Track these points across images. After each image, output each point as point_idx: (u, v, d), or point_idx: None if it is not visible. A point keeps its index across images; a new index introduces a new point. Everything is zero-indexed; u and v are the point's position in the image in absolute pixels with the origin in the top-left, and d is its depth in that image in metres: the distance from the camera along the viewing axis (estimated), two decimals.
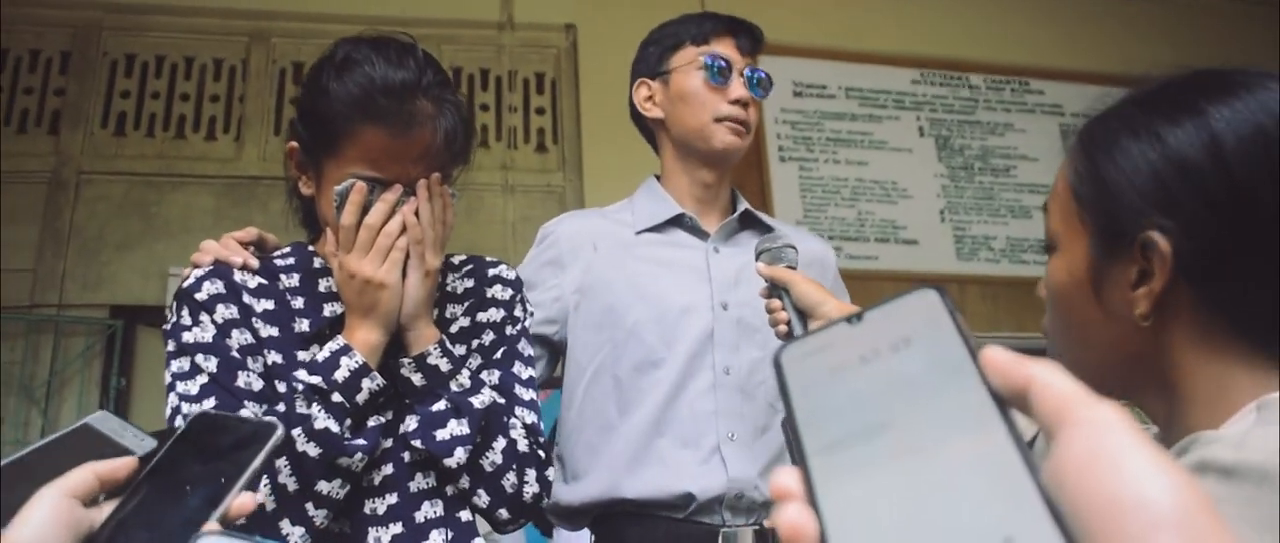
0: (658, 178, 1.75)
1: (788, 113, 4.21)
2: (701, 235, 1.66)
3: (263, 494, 1.06)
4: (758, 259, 1.42)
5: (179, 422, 1.07)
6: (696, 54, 1.64)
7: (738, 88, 1.63)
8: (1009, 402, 0.35)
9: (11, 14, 3.61)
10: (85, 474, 0.66)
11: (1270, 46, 4.58)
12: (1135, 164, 0.79)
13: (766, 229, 1.70)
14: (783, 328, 1.36)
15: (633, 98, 1.73)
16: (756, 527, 1.49)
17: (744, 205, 1.72)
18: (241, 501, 0.64)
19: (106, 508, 0.66)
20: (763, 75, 1.68)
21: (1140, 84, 0.84)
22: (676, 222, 1.66)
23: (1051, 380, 0.34)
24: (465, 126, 1.22)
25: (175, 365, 1.13)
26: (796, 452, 0.38)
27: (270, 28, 3.83)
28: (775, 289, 1.37)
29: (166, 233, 3.50)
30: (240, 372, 1.13)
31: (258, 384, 1.14)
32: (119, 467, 0.68)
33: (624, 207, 1.74)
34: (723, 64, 1.63)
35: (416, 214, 1.17)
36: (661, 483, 1.47)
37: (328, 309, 1.21)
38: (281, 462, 1.07)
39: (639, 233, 1.65)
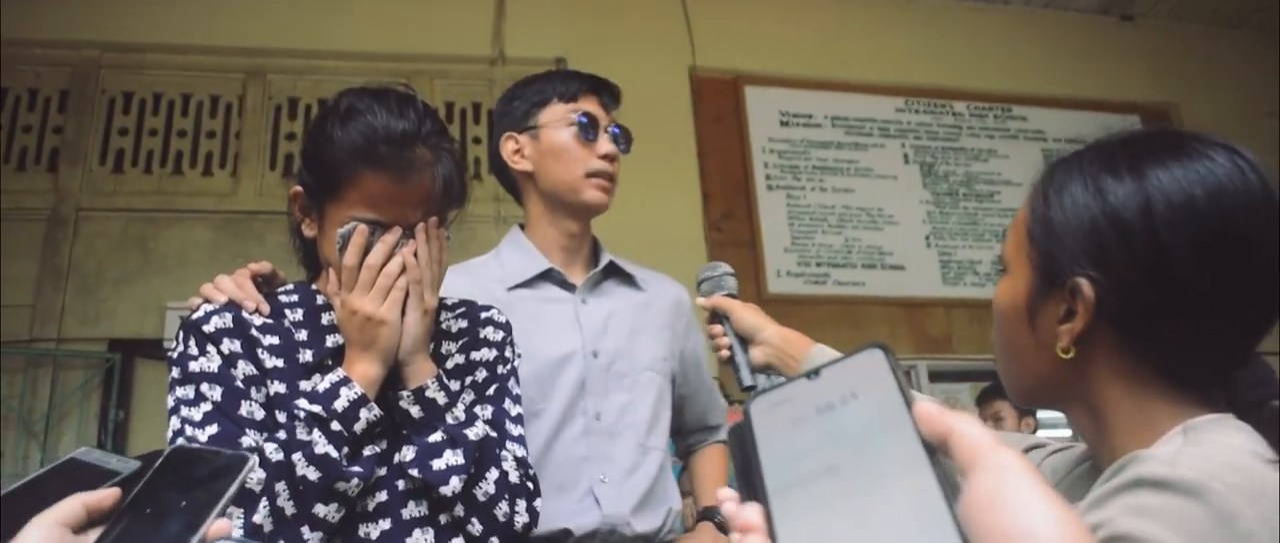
0: (521, 228, 1.79)
1: (775, 142, 4.28)
2: (569, 287, 1.71)
3: (261, 515, 1.11)
4: (699, 289, 1.49)
5: (180, 443, 1.13)
6: (566, 111, 1.69)
7: (604, 143, 1.69)
8: (935, 448, 0.41)
9: (11, 53, 3.68)
10: (73, 505, 0.71)
11: (1245, 71, 4.68)
12: (1078, 213, 0.85)
13: (628, 277, 1.77)
14: (724, 353, 1.43)
15: (500, 150, 1.76)
16: None
17: (608, 257, 1.78)
18: (218, 526, 0.69)
19: (92, 536, 0.71)
20: (621, 131, 1.74)
21: (1102, 139, 0.90)
22: (545, 275, 1.71)
23: (966, 431, 0.40)
24: (460, 173, 1.28)
25: (180, 392, 1.18)
26: (759, 491, 0.44)
27: (266, 64, 3.90)
28: (717, 317, 1.44)
29: (164, 267, 3.55)
30: (243, 402, 1.18)
31: (259, 414, 1.19)
32: (104, 497, 0.73)
33: (489, 260, 1.77)
34: (591, 120, 1.69)
35: (415, 255, 1.22)
36: (541, 523, 1.47)
37: (330, 341, 1.27)
38: (280, 486, 1.11)
39: (510, 288, 1.69)
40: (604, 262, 1.76)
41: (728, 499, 0.77)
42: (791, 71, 4.41)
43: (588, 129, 1.67)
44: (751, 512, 0.43)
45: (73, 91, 3.72)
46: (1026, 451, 1.04)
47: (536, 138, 1.71)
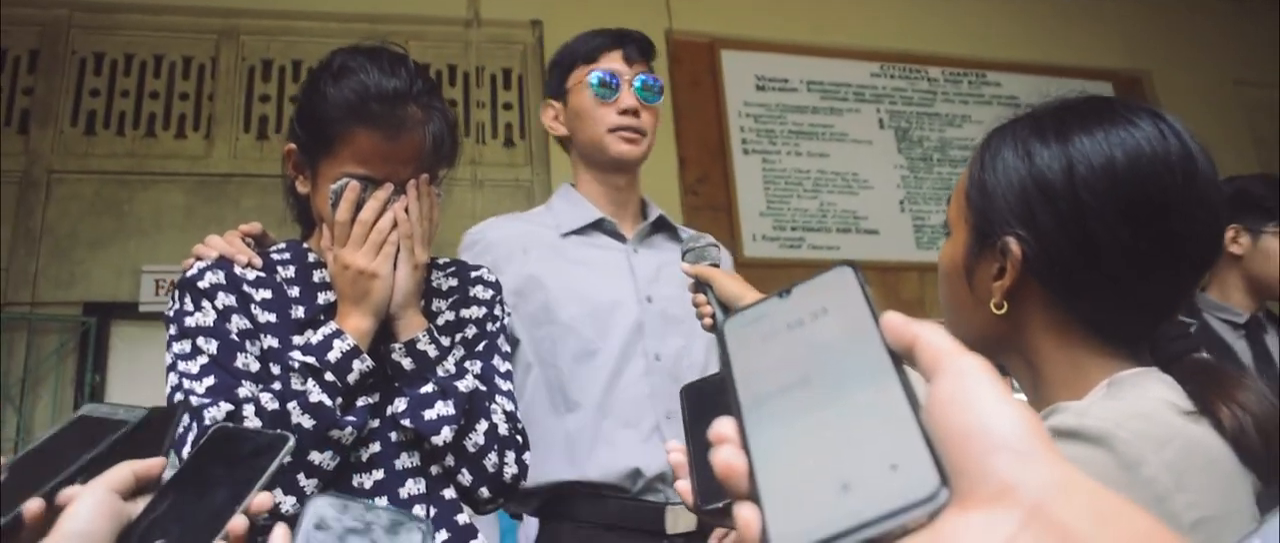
0: (573, 186, 1.85)
1: (750, 106, 4.30)
2: (620, 238, 1.77)
3: (277, 496, 1.14)
4: (683, 258, 1.53)
5: (178, 397, 1.16)
6: (586, 72, 1.74)
7: (627, 98, 1.72)
8: (902, 357, 0.42)
9: None
10: (123, 471, 0.75)
11: (1216, 40, 4.72)
12: (1008, 176, 0.90)
13: (675, 233, 1.83)
14: (707, 321, 1.48)
15: (542, 120, 1.84)
16: None
17: (657, 212, 1.83)
18: (261, 499, 0.73)
19: (140, 503, 0.74)
20: (651, 81, 1.77)
21: (1040, 104, 0.94)
22: (597, 225, 1.76)
23: (931, 338, 0.42)
24: (452, 132, 1.31)
25: (177, 348, 1.21)
26: (733, 404, 0.45)
27: (239, 25, 3.86)
28: (700, 285, 1.49)
29: (138, 230, 3.53)
30: (238, 354, 1.21)
31: (254, 366, 1.22)
32: (152, 466, 0.76)
33: (542, 211, 1.83)
34: (609, 78, 1.72)
35: (406, 211, 1.25)
36: (611, 462, 1.56)
37: (322, 298, 1.29)
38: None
39: (564, 235, 1.74)
40: (654, 215, 1.81)
41: (673, 450, 0.80)
42: (768, 35, 4.41)
43: (604, 87, 1.71)
44: (724, 425, 0.44)
45: (43, 51, 3.67)
46: None
47: (567, 103, 1.77)
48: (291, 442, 0.78)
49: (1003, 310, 0.91)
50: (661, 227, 1.83)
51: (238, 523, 0.70)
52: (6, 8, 3.65)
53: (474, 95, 3.99)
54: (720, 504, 0.58)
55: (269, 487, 0.74)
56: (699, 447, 0.64)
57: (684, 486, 0.63)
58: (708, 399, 0.68)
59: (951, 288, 0.99)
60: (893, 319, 0.43)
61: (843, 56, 4.50)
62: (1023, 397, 1.01)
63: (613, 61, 1.75)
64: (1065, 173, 0.85)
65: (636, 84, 1.74)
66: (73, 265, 3.46)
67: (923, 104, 4.54)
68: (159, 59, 3.78)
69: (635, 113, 1.73)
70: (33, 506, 0.74)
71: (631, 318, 1.67)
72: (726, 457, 0.42)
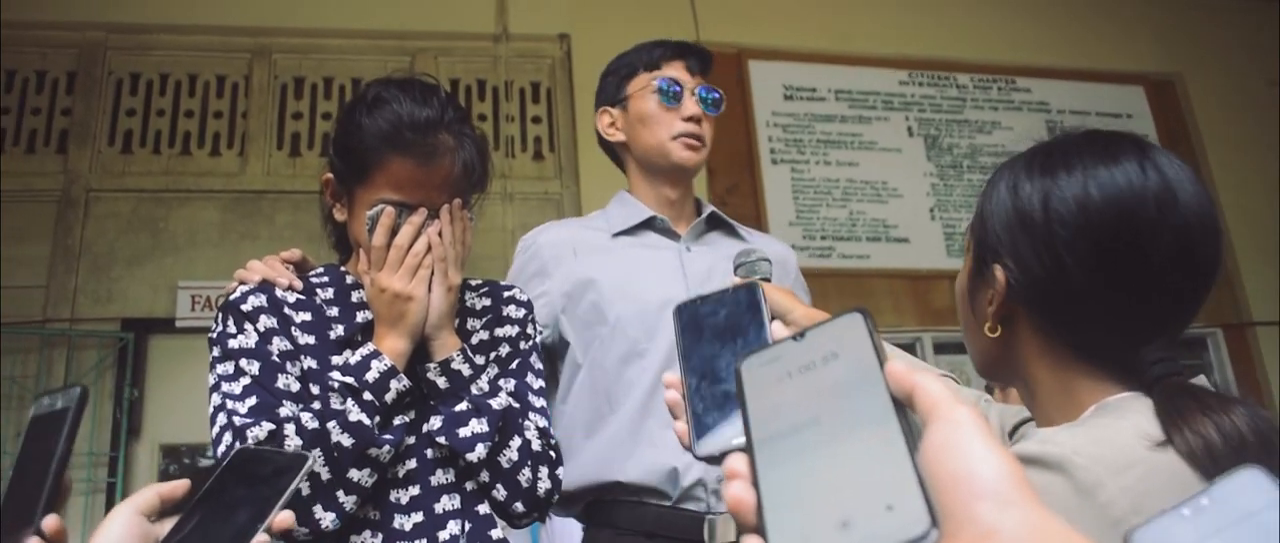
0: (628, 192, 1.86)
1: (779, 116, 4.30)
2: (673, 236, 1.78)
3: (318, 512, 1.17)
4: (735, 271, 1.54)
5: (221, 418, 1.20)
6: (650, 79, 1.75)
7: (690, 106, 1.74)
8: (903, 402, 0.45)
9: (17, 36, 3.69)
10: (149, 494, 0.78)
11: (1248, 41, 4.67)
12: (999, 207, 0.95)
13: (731, 229, 1.83)
14: None
15: (597, 126, 1.85)
16: None
17: (710, 208, 1.84)
18: (283, 517, 0.76)
19: (167, 524, 0.78)
20: (715, 94, 1.80)
21: (1051, 140, 0.98)
22: (649, 224, 1.77)
23: (929, 387, 0.45)
24: (483, 157, 1.36)
25: (220, 369, 1.25)
26: (747, 441, 0.48)
27: (271, 44, 3.91)
28: None
29: (174, 247, 3.58)
30: (279, 375, 1.25)
31: (295, 386, 1.26)
32: (177, 487, 0.80)
33: (599, 215, 1.85)
34: (674, 86, 1.74)
35: (439, 235, 1.29)
36: (651, 463, 1.57)
37: (360, 317, 1.33)
38: (316, 452, 1.18)
39: (615, 235, 1.76)
40: (707, 212, 1.82)
41: (670, 385, 0.82)
42: (795, 45, 4.41)
43: (669, 94, 1.73)
44: (737, 460, 0.48)
45: (80, 73, 3.74)
46: (1020, 424, 1.12)
47: (626, 109, 1.79)
48: (310, 461, 0.82)
49: (995, 334, 0.96)
50: (717, 224, 1.84)
51: (260, 540, 0.73)
52: (44, 31, 3.73)
53: (503, 109, 4.02)
54: (717, 454, 0.60)
55: (289, 505, 0.77)
56: (695, 379, 0.66)
57: (681, 428, 0.64)
58: (704, 323, 0.70)
59: (961, 311, 1.06)
60: (895, 368, 0.46)
61: (871, 65, 4.49)
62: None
63: (676, 70, 1.77)
64: (1043, 206, 0.90)
65: (700, 93, 1.77)
66: (110, 282, 3.51)
67: (952, 111, 4.52)
68: (193, 78, 3.84)
69: (698, 120, 1.74)
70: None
71: None
72: (737, 492, 0.46)
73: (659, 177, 1.78)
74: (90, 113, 3.69)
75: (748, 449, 0.48)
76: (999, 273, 0.93)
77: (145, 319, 3.50)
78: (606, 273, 1.67)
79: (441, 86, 1.35)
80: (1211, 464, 0.79)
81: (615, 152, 1.85)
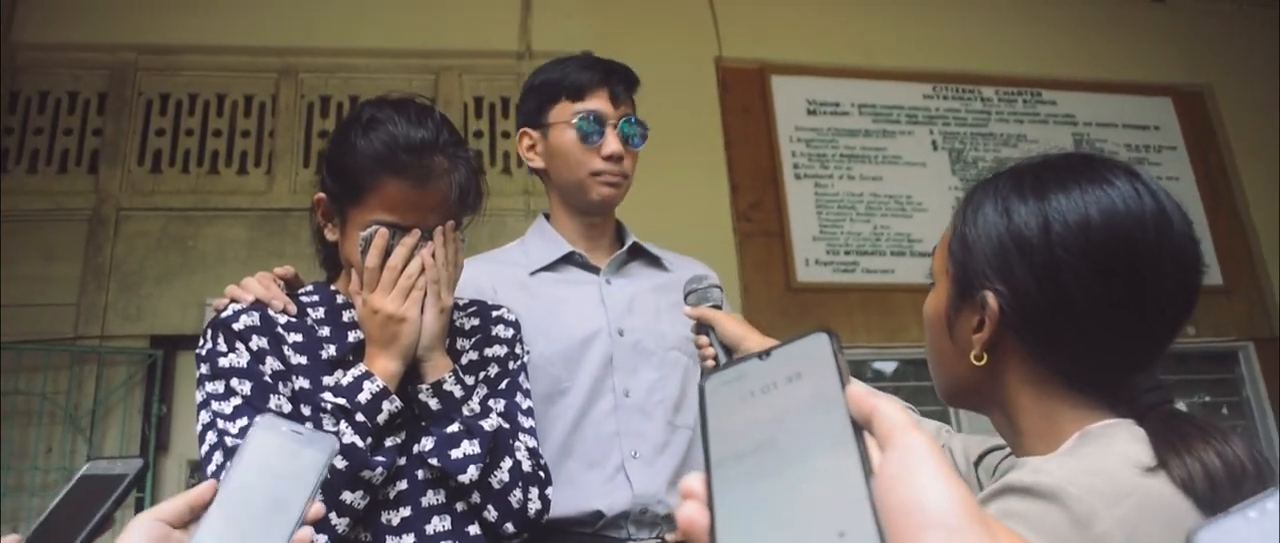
0: (546, 216, 1.80)
1: (802, 131, 4.29)
2: (593, 270, 1.73)
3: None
4: (686, 300, 1.51)
5: (210, 436, 1.19)
6: (571, 111, 1.66)
7: (611, 142, 1.66)
8: (862, 426, 0.45)
9: (50, 57, 3.77)
10: (177, 504, 0.77)
11: (1275, 45, 4.61)
12: (987, 231, 0.93)
13: (654, 259, 1.78)
14: (710, 363, 1.45)
15: (517, 147, 1.77)
16: (659, 540, 1.56)
17: (632, 238, 1.78)
18: (315, 509, 0.75)
19: (192, 530, 0.76)
20: (635, 121, 1.70)
21: (1023, 161, 0.97)
22: (568, 258, 1.72)
23: (887, 412, 0.44)
24: (476, 180, 1.35)
25: (210, 387, 1.25)
26: (706, 461, 0.47)
27: (297, 63, 3.96)
28: (703, 327, 1.47)
29: (203, 265, 3.63)
30: (271, 395, 1.25)
31: (287, 407, 1.27)
32: (204, 491, 0.78)
33: (516, 247, 1.79)
34: (595, 119, 1.65)
35: (433, 256, 1.29)
36: (572, 503, 1.53)
37: (351, 337, 1.33)
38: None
39: (533, 272, 1.70)
40: (629, 243, 1.77)
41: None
42: (818, 60, 4.41)
43: (590, 131, 1.66)
44: (693, 480, 0.47)
45: (111, 94, 3.80)
46: (986, 452, 1.11)
47: (546, 135, 1.71)
48: (336, 444, 0.80)
49: (982, 362, 0.94)
50: (637, 254, 1.79)
51: (303, 535, 0.72)
52: (76, 53, 3.79)
53: None
54: None
55: (317, 495, 0.77)
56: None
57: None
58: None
59: (935, 338, 1.02)
60: (856, 391, 0.46)
61: (894, 79, 4.48)
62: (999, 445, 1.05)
63: (598, 101, 1.68)
64: (1042, 230, 0.88)
65: (621, 126, 1.68)
66: (140, 299, 3.56)
67: (977, 124, 4.50)
68: (221, 98, 3.89)
69: (619, 158, 1.67)
70: None
71: (602, 354, 1.63)
72: (690, 513, 0.46)
73: (578, 207, 1.72)
74: (120, 133, 3.74)
75: (706, 469, 0.47)
76: (991, 299, 0.91)
77: (173, 336, 3.53)
78: (526, 312, 1.60)
79: (436, 108, 1.35)
80: (1210, 492, 0.78)
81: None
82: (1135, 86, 4.65)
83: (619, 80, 1.72)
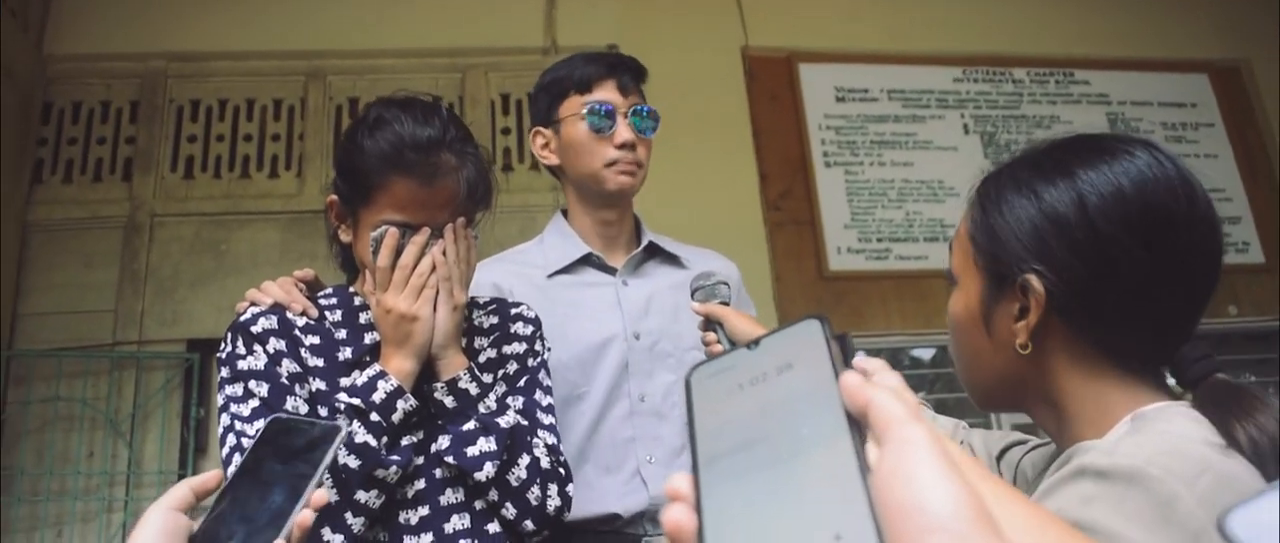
0: (565, 213, 1.81)
1: (831, 118, 4.25)
2: (609, 271, 1.73)
3: (326, 534, 1.17)
4: (692, 296, 1.50)
5: (230, 439, 1.20)
6: (581, 103, 1.69)
7: (623, 131, 1.68)
8: (857, 419, 0.42)
9: (83, 68, 3.82)
10: (181, 490, 0.78)
11: None
12: (1018, 216, 0.91)
13: (671, 257, 1.78)
14: None
15: (532, 146, 1.78)
16: None
17: (649, 237, 1.78)
18: (318, 495, 0.76)
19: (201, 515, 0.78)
20: (647, 110, 1.71)
21: (1030, 148, 0.97)
22: (585, 260, 1.72)
23: (883, 403, 0.41)
24: (485, 176, 1.35)
25: (229, 390, 1.26)
26: (692, 460, 0.44)
27: (325, 66, 3.98)
28: (710, 324, 1.46)
29: (236, 268, 3.65)
30: (288, 397, 1.26)
31: (303, 409, 1.27)
32: (209, 479, 0.81)
33: (533, 247, 1.79)
34: (606, 110, 1.67)
35: (444, 254, 1.29)
36: (589, 507, 1.54)
37: (368, 338, 1.34)
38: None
39: (550, 275, 1.71)
40: (645, 242, 1.77)
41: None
42: (846, 46, 4.36)
43: (600, 121, 1.67)
44: (680, 480, 0.44)
45: (142, 102, 3.84)
46: (1008, 447, 1.09)
47: (558, 132, 1.73)
48: (344, 431, 0.80)
49: (1028, 350, 0.91)
50: (654, 252, 1.79)
51: (305, 517, 0.72)
52: (107, 62, 3.83)
53: None
54: None
55: (323, 481, 0.78)
56: None
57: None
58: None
59: (967, 338, 0.99)
60: (850, 381, 0.42)
61: (924, 63, 4.43)
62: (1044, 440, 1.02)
63: (607, 92, 1.70)
64: (1077, 205, 0.88)
65: (631, 115, 1.69)
66: (175, 304, 3.59)
67: (1009, 107, 4.44)
68: (251, 103, 3.91)
69: (632, 146, 1.68)
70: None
71: (618, 359, 1.64)
72: (675, 516, 0.42)
73: (595, 201, 1.73)
74: (153, 140, 3.78)
75: (693, 469, 0.44)
76: (1035, 282, 0.89)
77: (210, 340, 3.56)
78: (542, 316, 1.59)
79: (443, 105, 1.35)
80: (1263, 459, 0.76)
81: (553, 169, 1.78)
82: (1170, 63, 4.56)
83: (626, 71, 1.73)
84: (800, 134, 4.18)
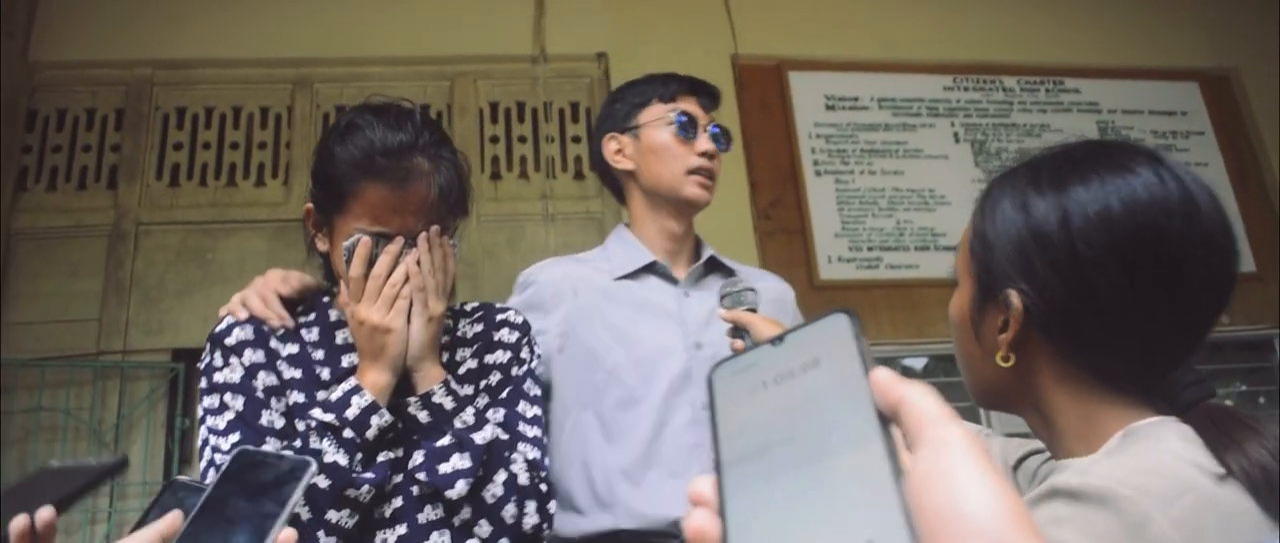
0: (627, 225, 1.83)
1: (821, 127, 4.24)
2: (672, 281, 1.75)
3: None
4: (720, 303, 1.51)
5: (207, 452, 1.17)
6: (666, 111, 1.74)
7: (704, 141, 1.74)
8: (888, 418, 0.39)
9: (68, 75, 3.79)
10: (149, 535, 0.75)
11: None
12: (1007, 228, 0.89)
13: (729, 272, 1.80)
14: None
15: (601, 150, 1.81)
16: None
17: (709, 251, 1.81)
18: (284, 535, 0.72)
19: None
20: (721, 131, 1.79)
21: (1038, 154, 0.94)
22: (649, 268, 1.75)
23: (917, 401, 0.39)
24: (462, 181, 1.32)
25: (206, 402, 1.24)
26: (715, 461, 0.42)
27: (312, 74, 3.95)
28: (738, 331, 1.47)
29: (222, 277, 3.62)
30: (263, 411, 1.23)
31: (279, 422, 1.24)
32: (173, 521, 0.78)
33: (599, 254, 1.83)
34: (690, 119, 1.73)
35: (418, 263, 1.26)
36: (655, 511, 1.55)
37: (345, 361, 1.31)
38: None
39: (616, 279, 1.73)
40: (706, 255, 1.80)
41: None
42: (835, 54, 4.36)
43: (687, 128, 1.72)
44: (702, 483, 0.42)
45: (128, 109, 3.81)
46: (1030, 453, 1.07)
47: (637, 137, 1.77)
48: (314, 466, 0.77)
49: (1009, 364, 0.89)
50: (714, 267, 1.81)
51: None
52: (93, 69, 3.80)
53: (543, 130, 4.02)
54: None
55: (290, 520, 0.74)
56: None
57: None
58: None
59: (961, 339, 0.98)
60: (881, 377, 0.40)
61: (914, 71, 4.42)
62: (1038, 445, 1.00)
63: (690, 105, 1.76)
64: (1061, 224, 0.85)
65: (711, 130, 1.76)
66: (161, 313, 3.56)
67: (999, 115, 4.43)
68: (237, 111, 3.89)
69: (711, 156, 1.73)
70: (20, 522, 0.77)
71: (679, 366, 1.65)
72: (698, 522, 0.41)
73: (665, 209, 1.75)
74: (138, 148, 3.75)
75: (716, 471, 0.42)
76: (1014, 298, 0.87)
77: (195, 349, 3.50)
78: (605, 318, 1.65)
79: (418, 110, 1.32)
80: (1268, 490, 0.73)
81: (616, 179, 1.82)
82: (1160, 72, 4.57)
83: (705, 92, 1.82)
84: (790, 143, 4.17)
